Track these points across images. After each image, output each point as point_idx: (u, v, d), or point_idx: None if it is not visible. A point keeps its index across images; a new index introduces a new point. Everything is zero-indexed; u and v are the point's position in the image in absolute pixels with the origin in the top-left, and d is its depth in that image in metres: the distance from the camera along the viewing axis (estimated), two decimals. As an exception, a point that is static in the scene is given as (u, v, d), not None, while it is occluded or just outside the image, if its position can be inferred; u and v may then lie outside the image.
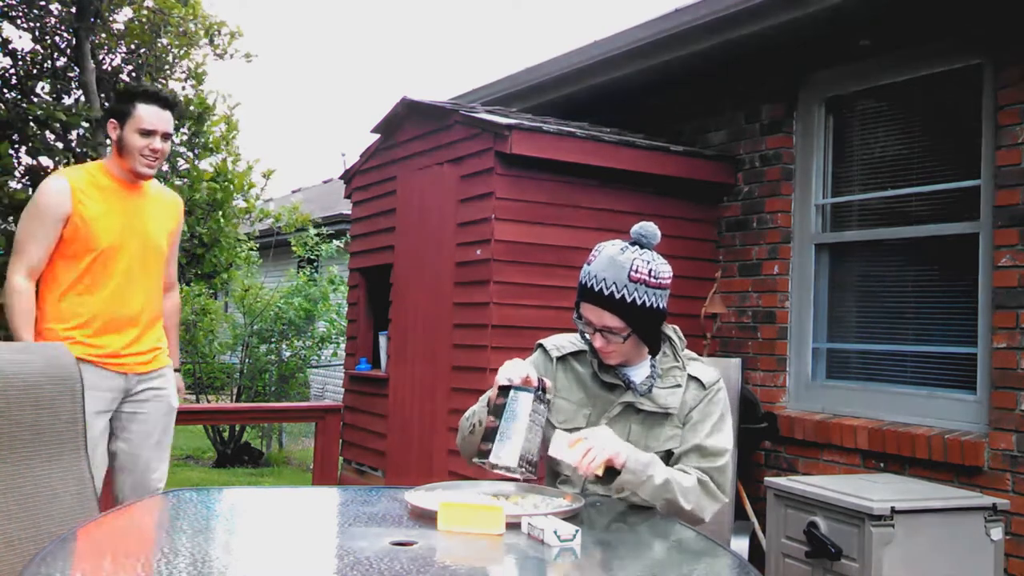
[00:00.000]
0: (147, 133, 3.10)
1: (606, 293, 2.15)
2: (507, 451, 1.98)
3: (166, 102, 3.17)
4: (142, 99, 3.14)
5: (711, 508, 2.19)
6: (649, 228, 2.22)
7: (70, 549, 1.60)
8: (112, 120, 3.16)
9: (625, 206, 4.36)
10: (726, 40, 4.22)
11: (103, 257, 3.09)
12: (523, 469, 1.99)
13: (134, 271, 3.17)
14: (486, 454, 2.01)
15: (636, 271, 2.15)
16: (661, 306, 2.20)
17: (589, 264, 2.22)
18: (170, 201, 3.41)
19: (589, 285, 2.18)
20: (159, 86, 3.16)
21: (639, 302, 2.15)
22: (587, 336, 2.25)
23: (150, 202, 3.27)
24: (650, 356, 2.29)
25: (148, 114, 3.12)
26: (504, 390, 2.06)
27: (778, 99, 4.46)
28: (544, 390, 2.08)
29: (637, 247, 2.21)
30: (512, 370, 2.10)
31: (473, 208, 4.29)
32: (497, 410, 2.05)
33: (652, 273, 2.17)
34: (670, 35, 4.40)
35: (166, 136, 3.17)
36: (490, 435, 2.02)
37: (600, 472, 2.05)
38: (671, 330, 2.35)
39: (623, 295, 2.14)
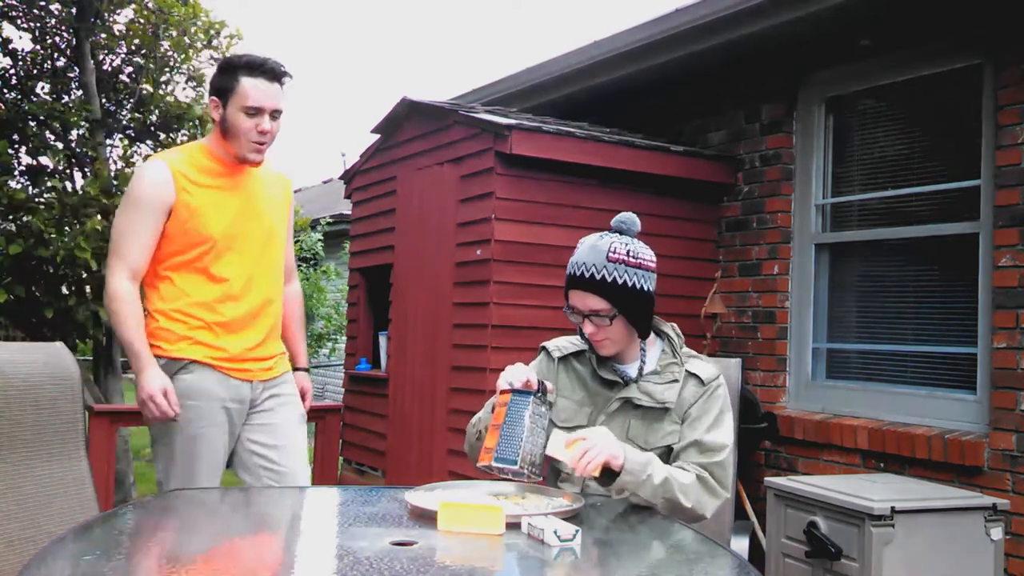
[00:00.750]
0: (254, 112, 2.68)
1: (587, 275, 2.21)
2: (511, 454, 2.00)
3: (274, 74, 2.72)
4: (246, 71, 2.69)
5: (712, 504, 2.19)
6: (628, 216, 2.30)
7: (70, 549, 1.60)
8: (213, 98, 2.73)
9: (625, 206, 4.30)
10: (726, 40, 4.22)
11: (216, 251, 2.72)
12: (528, 471, 2.01)
13: (252, 265, 2.79)
14: (491, 458, 2.03)
15: (614, 252, 2.22)
16: (645, 287, 2.24)
17: (573, 255, 2.29)
18: (279, 178, 2.99)
19: (572, 272, 2.26)
20: (266, 55, 2.72)
21: (620, 281, 2.20)
22: (580, 327, 2.29)
23: (261, 183, 2.86)
24: (642, 342, 2.30)
25: (254, 89, 2.68)
26: (505, 394, 2.08)
27: (778, 99, 4.46)
28: (545, 392, 2.10)
29: (617, 234, 2.28)
30: (512, 374, 2.12)
31: (473, 208, 4.29)
32: (499, 415, 2.07)
33: (630, 253, 2.24)
34: (670, 35, 4.40)
35: (276, 113, 2.74)
36: (494, 440, 2.04)
37: (597, 473, 2.05)
38: (669, 327, 2.38)
39: (603, 275, 2.20)
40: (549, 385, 2.14)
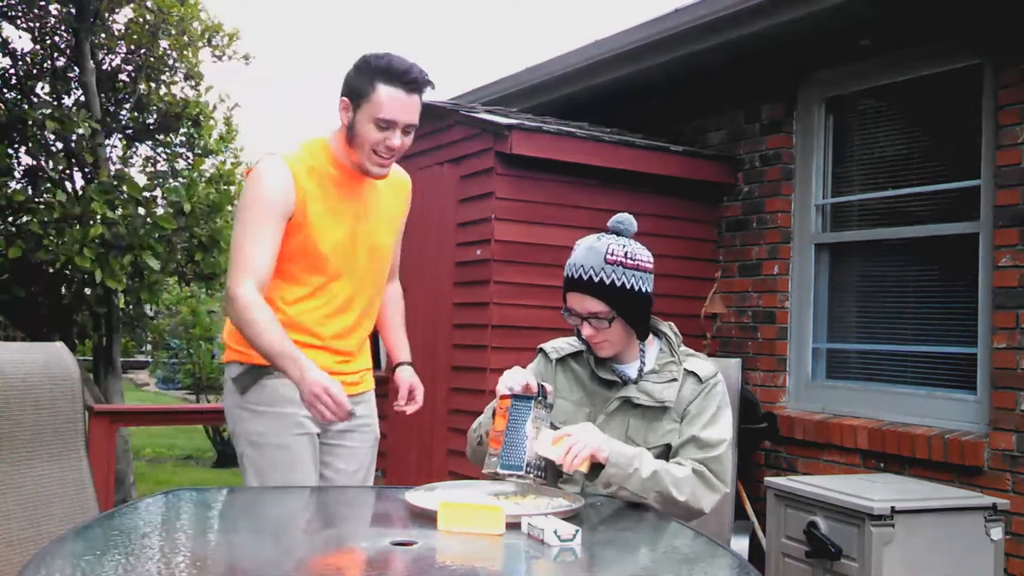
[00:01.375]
0: (386, 125, 2.39)
1: (585, 278, 2.21)
2: (516, 460, 2.01)
3: (416, 84, 2.40)
4: (384, 78, 2.38)
5: (709, 498, 2.18)
6: (625, 217, 2.30)
7: (70, 549, 1.60)
8: (344, 98, 2.44)
9: (625, 206, 4.30)
10: (726, 40, 4.22)
11: (318, 264, 2.48)
12: (532, 475, 2.02)
13: (356, 282, 2.56)
14: (495, 463, 2.04)
15: (612, 254, 2.22)
16: (643, 288, 2.24)
17: (570, 257, 2.28)
18: (400, 183, 2.70)
19: (569, 275, 2.25)
20: (409, 62, 2.41)
21: (618, 283, 2.20)
22: (578, 329, 2.28)
23: (378, 194, 2.60)
24: (640, 343, 2.30)
25: (390, 101, 2.37)
26: (505, 400, 2.09)
27: (778, 99, 4.46)
28: (545, 395, 2.10)
29: (614, 235, 2.28)
30: (512, 379, 2.12)
31: (473, 208, 4.29)
32: (501, 421, 2.08)
33: (628, 255, 2.23)
34: (670, 35, 4.40)
35: (409, 128, 2.43)
36: (498, 446, 2.05)
37: (585, 468, 2.06)
38: (667, 327, 2.38)
39: (601, 278, 2.20)
40: (548, 387, 2.15)
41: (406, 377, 2.74)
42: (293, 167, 2.42)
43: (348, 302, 2.54)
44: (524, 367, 2.45)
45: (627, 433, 2.25)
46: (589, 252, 2.24)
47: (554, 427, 2.19)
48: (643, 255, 2.27)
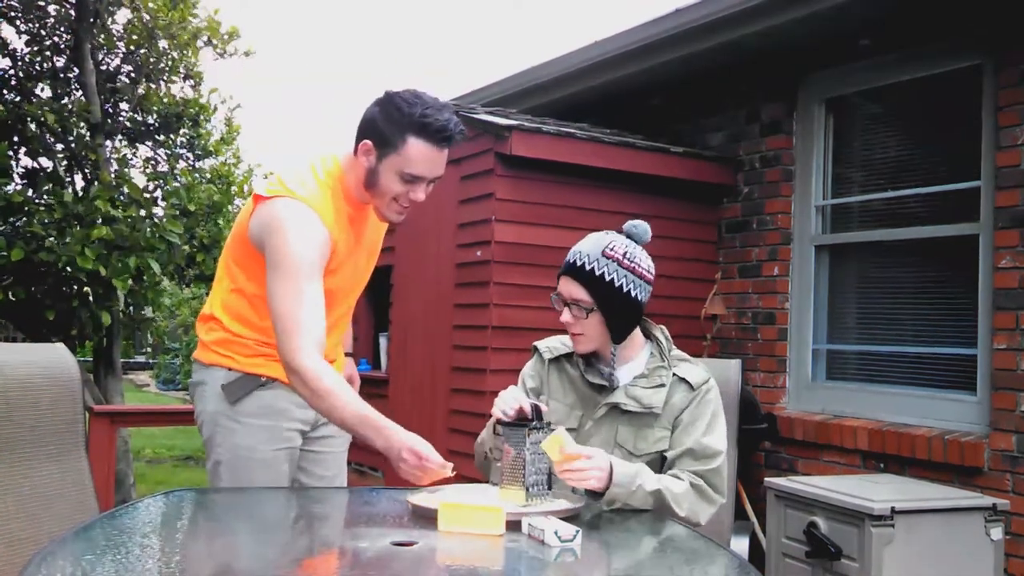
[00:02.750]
0: (412, 179, 2.26)
1: (578, 264, 2.21)
2: (515, 490, 2.01)
3: (449, 140, 2.25)
4: (417, 132, 2.21)
5: (706, 511, 2.18)
6: (641, 225, 2.28)
7: (70, 549, 1.60)
8: (367, 141, 2.26)
9: (625, 207, 4.35)
10: (726, 40, 4.22)
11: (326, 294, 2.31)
12: (534, 499, 2.01)
13: (347, 301, 2.52)
14: (497, 487, 2.07)
15: (611, 249, 2.22)
16: (632, 292, 2.21)
17: (575, 244, 2.29)
18: None
19: (566, 259, 2.26)
20: (445, 115, 2.23)
21: (607, 278, 2.19)
22: (561, 317, 2.26)
23: (376, 222, 2.51)
24: (614, 345, 2.26)
25: (421, 158, 2.23)
26: (501, 424, 2.09)
27: (778, 99, 4.46)
28: (540, 415, 2.08)
29: (624, 236, 2.27)
30: (505, 402, 2.09)
31: (473, 209, 4.29)
32: (497, 450, 2.10)
33: (627, 256, 2.22)
34: (670, 35, 4.40)
35: (435, 180, 2.32)
36: (497, 473, 2.07)
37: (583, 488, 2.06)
38: (658, 330, 2.35)
39: (592, 267, 2.19)
40: (543, 407, 2.13)
41: (345, 369, 2.67)
42: (326, 219, 2.25)
43: (335, 318, 2.45)
44: (524, 367, 2.45)
45: (616, 439, 2.23)
46: (591, 242, 2.25)
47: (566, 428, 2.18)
48: (643, 262, 2.25)
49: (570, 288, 2.22)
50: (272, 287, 2.21)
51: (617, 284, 2.19)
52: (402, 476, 2.11)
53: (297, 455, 2.48)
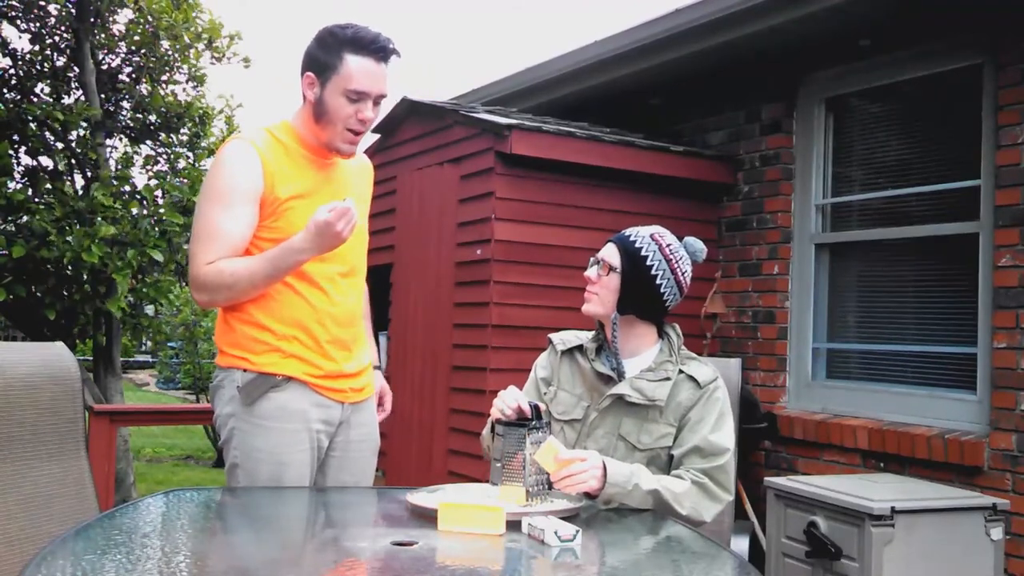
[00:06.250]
0: (357, 97, 2.29)
1: (626, 234, 2.35)
2: (514, 490, 2.01)
3: (384, 52, 2.31)
4: (352, 48, 2.28)
5: (712, 509, 2.18)
6: (699, 243, 2.42)
7: (71, 549, 1.60)
8: (309, 74, 2.33)
9: (625, 206, 4.36)
10: (726, 40, 4.22)
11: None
12: (535, 499, 2.01)
13: (341, 266, 2.44)
14: (496, 487, 2.07)
15: (660, 236, 2.35)
16: (659, 279, 2.29)
17: None
18: (365, 166, 2.63)
19: (622, 231, 2.39)
20: (375, 31, 2.32)
21: (643, 253, 2.30)
22: (586, 272, 2.36)
23: (348, 175, 2.49)
24: (614, 329, 2.31)
25: (361, 71, 2.28)
26: (501, 424, 2.09)
27: (778, 99, 4.46)
28: (539, 415, 2.09)
29: (679, 241, 2.40)
30: (505, 402, 2.11)
31: (473, 208, 4.29)
32: (496, 450, 2.10)
33: (670, 247, 2.33)
34: (670, 35, 4.40)
35: (380, 99, 2.34)
36: (497, 473, 2.07)
37: (573, 493, 2.06)
38: (671, 328, 2.40)
39: (635, 240, 2.32)
40: (542, 405, 2.14)
41: (376, 384, 2.62)
42: (258, 148, 2.31)
43: (335, 288, 2.42)
44: (524, 367, 2.46)
45: (619, 431, 2.25)
46: (648, 227, 2.39)
47: (555, 419, 2.18)
48: (682, 264, 2.35)
49: (608, 251, 2.34)
50: (195, 215, 2.36)
51: (649, 263, 2.29)
52: (343, 237, 2.20)
53: (316, 457, 2.41)
